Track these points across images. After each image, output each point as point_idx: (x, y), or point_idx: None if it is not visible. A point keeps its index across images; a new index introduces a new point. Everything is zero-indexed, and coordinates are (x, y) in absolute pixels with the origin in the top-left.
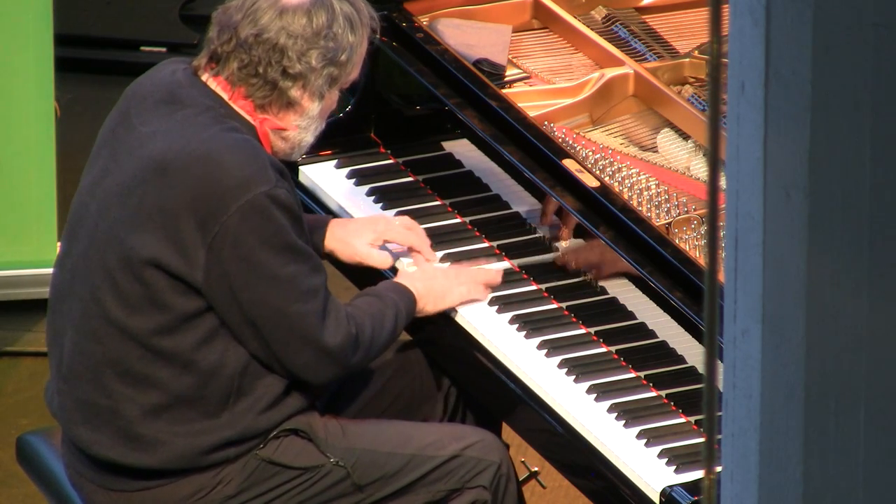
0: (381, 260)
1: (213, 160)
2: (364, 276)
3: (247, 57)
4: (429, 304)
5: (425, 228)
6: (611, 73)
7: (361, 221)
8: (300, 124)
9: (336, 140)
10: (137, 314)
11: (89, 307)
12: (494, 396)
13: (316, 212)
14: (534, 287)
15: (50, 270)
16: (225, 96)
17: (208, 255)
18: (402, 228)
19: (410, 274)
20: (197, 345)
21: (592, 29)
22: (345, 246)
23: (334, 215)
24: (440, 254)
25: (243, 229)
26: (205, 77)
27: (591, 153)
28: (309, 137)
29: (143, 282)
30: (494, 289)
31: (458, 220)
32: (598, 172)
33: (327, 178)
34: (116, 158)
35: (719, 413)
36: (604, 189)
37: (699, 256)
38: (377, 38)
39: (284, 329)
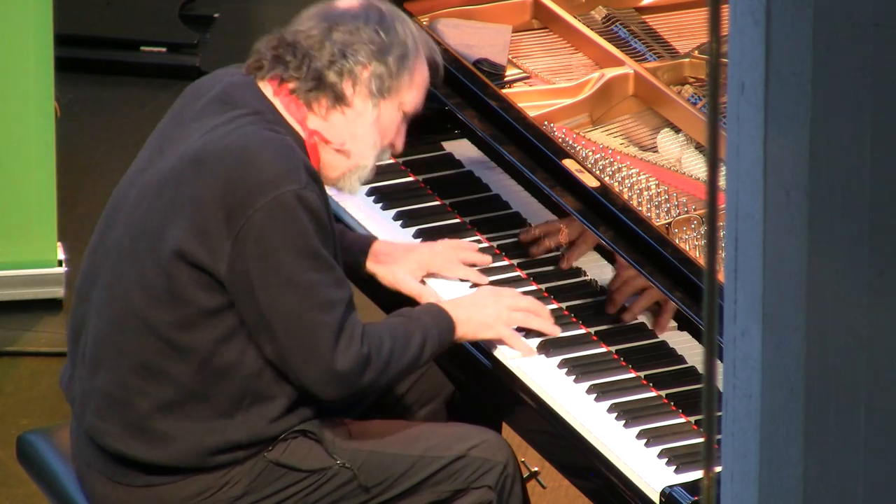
0: (417, 291)
1: (246, 154)
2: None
3: (292, 55)
4: (469, 332)
5: (425, 228)
6: (611, 73)
7: (406, 251)
8: (355, 132)
9: None
10: (159, 307)
11: (116, 295)
12: (494, 396)
13: None
14: (534, 287)
15: (50, 270)
16: (271, 95)
17: (233, 249)
18: (447, 261)
19: (457, 298)
20: (215, 342)
21: (592, 29)
22: (386, 272)
23: (334, 215)
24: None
25: (268, 226)
26: (256, 80)
27: (591, 153)
28: (368, 155)
29: (168, 274)
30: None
31: (458, 220)
32: (598, 172)
33: None
34: (162, 150)
35: (719, 413)
36: (604, 189)
37: (699, 256)
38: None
39: (297, 337)
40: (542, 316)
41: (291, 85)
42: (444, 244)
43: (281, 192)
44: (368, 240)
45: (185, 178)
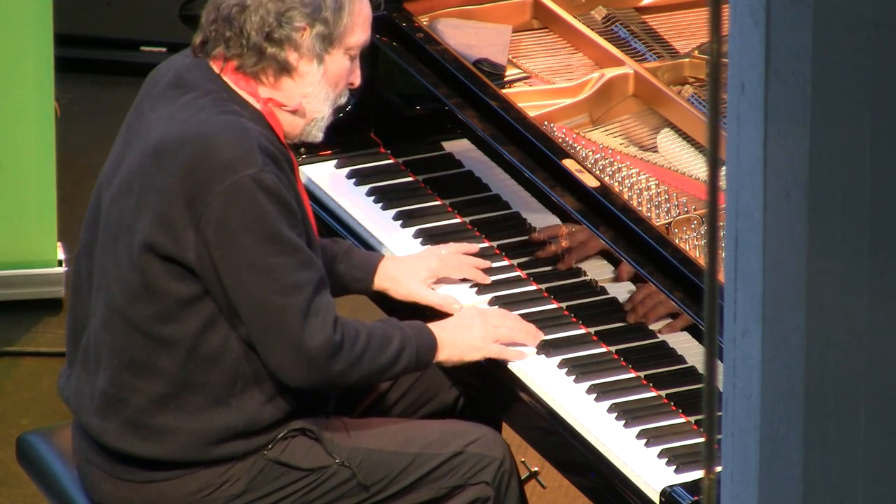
0: (437, 301)
1: (202, 141)
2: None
3: (230, 30)
4: (453, 355)
5: (425, 228)
6: (611, 73)
7: (414, 260)
8: (305, 91)
9: (336, 140)
10: (137, 303)
11: (102, 296)
12: (494, 396)
13: (315, 212)
14: (534, 287)
15: (50, 270)
16: (220, 72)
17: (196, 236)
18: (454, 266)
19: (443, 321)
20: (198, 330)
21: (592, 29)
22: (398, 285)
23: (334, 215)
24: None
25: (227, 212)
26: (206, 58)
27: (591, 153)
28: (323, 108)
29: (140, 269)
30: (495, 288)
31: (458, 220)
32: (598, 172)
33: (327, 178)
34: (129, 145)
35: (719, 413)
36: (604, 189)
37: (699, 256)
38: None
39: (263, 321)
40: (527, 332)
41: (235, 63)
42: (449, 248)
43: (238, 178)
44: (375, 258)
45: (148, 171)
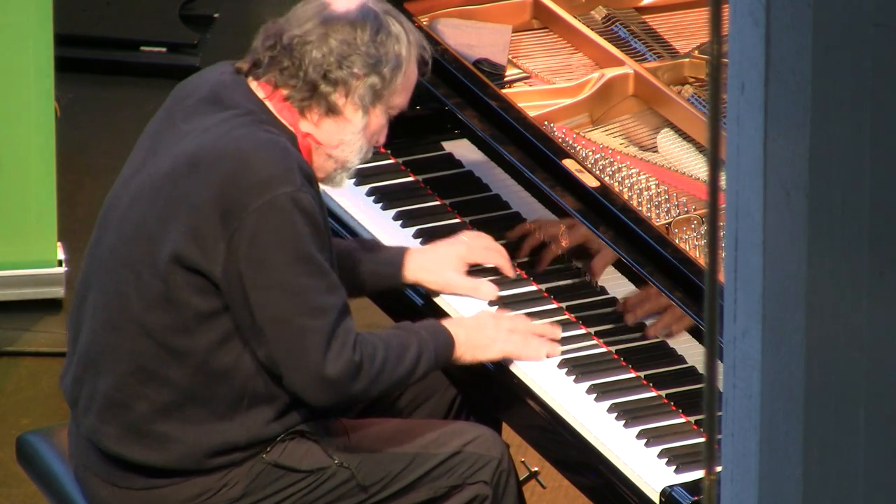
0: (472, 286)
1: (241, 156)
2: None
3: (288, 60)
4: (467, 353)
5: (425, 228)
6: (611, 73)
7: (444, 249)
8: (343, 138)
9: None
10: (155, 311)
11: (111, 299)
12: (494, 396)
13: None
14: (534, 287)
15: (50, 270)
16: (263, 97)
17: (227, 250)
18: (483, 250)
19: (458, 318)
20: (212, 346)
21: (592, 29)
22: (434, 275)
23: (334, 215)
24: None
25: (261, 229)
26: (248, 80)
27: (591, 153)
28: (353, 158)
29: (163, 278)
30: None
31: (457, 221)
32: (598, 172)
33: None
34: (155, 152)
35: (719, 413)
36: (604, 189)
37: (699, 256)
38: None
39: (286, 342)
40: (542, 337)
41: (285, 92)
42: (470, 236)
43: (276, 195)
44: (400, 251)
45: (181, 181)
